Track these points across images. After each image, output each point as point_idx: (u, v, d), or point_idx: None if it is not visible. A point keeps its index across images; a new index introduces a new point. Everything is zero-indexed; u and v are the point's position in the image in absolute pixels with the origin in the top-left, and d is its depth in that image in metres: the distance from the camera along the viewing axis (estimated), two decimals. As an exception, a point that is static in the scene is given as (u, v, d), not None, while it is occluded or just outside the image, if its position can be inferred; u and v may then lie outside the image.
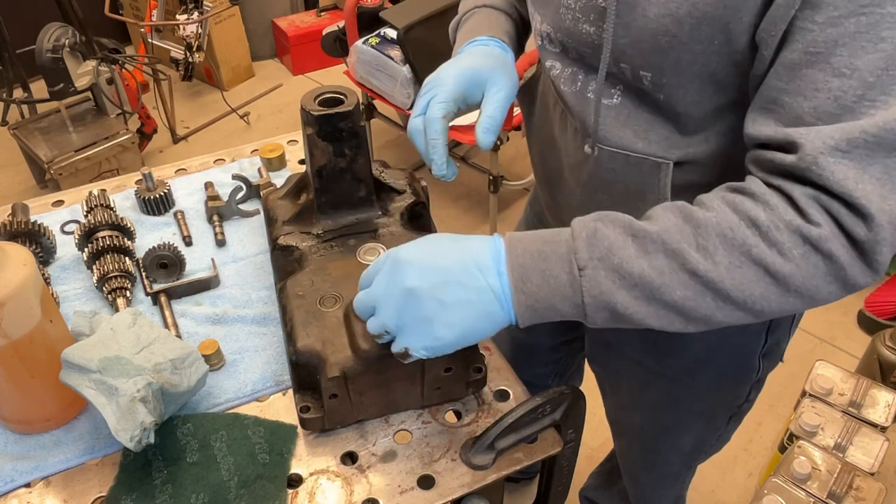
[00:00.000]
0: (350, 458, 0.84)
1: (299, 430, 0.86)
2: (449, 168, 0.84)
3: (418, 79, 2.26)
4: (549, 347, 1.33)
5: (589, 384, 1.59)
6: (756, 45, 0.65)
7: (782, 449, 1.69)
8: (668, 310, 0.64)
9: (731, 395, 1.06)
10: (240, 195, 1.16)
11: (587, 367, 1.49)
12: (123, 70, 2.74)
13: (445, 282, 0.66)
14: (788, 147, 0.62)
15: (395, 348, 0.71)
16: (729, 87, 0.71)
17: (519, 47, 0.98)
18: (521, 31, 0.99)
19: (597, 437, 1.99)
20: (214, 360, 0.93)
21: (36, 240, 1.05)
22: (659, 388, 1.07)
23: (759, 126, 0.65)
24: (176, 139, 3.21)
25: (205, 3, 2.95)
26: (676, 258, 0.62)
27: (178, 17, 2.90)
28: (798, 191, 0.61)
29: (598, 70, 0.77)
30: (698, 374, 1.02)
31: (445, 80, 0.82)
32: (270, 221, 1.01)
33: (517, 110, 2.30)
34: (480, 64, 0.83)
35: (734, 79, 0.70)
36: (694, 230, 0.63)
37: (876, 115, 0.58)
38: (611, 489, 1.53)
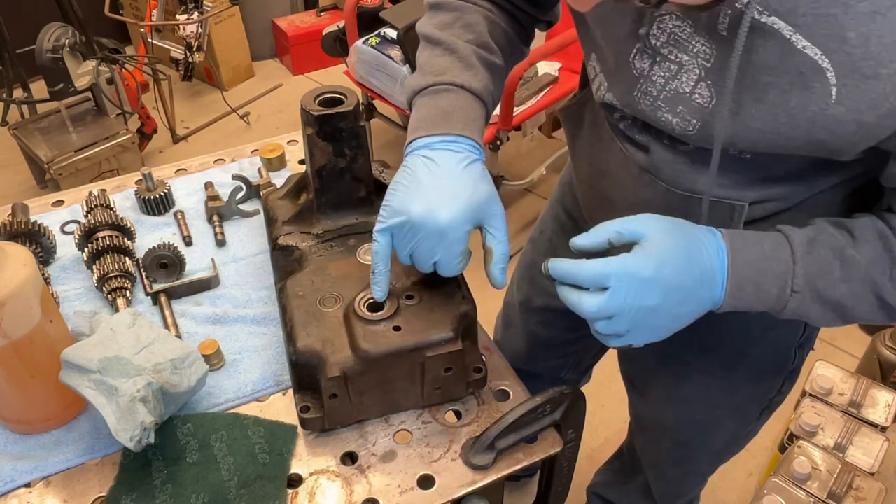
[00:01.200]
0: (350, 458, 0.84)
1: (299, 430, 0.86)
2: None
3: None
4: (565, 341, 1.32)
5: (590, 384, 1.59)
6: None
7: (782, 449, 1.69)
8: (844, 319, 0.74)
9: (766, 387, 1.06)
10: (240, 195, 1.16)
11: (595, 366, 1.50)
12: (123, 70, 2.73)
13: (683, 300, 0.71)
14: None
15: (617, 343, 0.75)
16: (814, 164, 0.73)
17: (498, 98, 0.92)
18: (489, 115, 0.90)
19: (597, 437, 1.99)
20: (214, 360, 0.93)
21: (36, 240, 1.05)
22: (694, 384, 1.06)
23: None
24: (176, 139, 3.20)
25: (205, 3, 2.95)
26: (873, 287, 0.71)
27: (178, 17, 2.90)
28: None
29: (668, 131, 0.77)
30: (735, 369, 1.02)
31: (449, 234, 0.77)
32: (270, 221, 1.01)
33: (518, 109, 2.30)
34: (477, 205, 0.78)
35: (822, 163, 0.72)
36: (892, 262, 0.70)
37: None
38: (625, 485, 1.52)
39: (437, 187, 0.77)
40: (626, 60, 0.76)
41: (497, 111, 2.22)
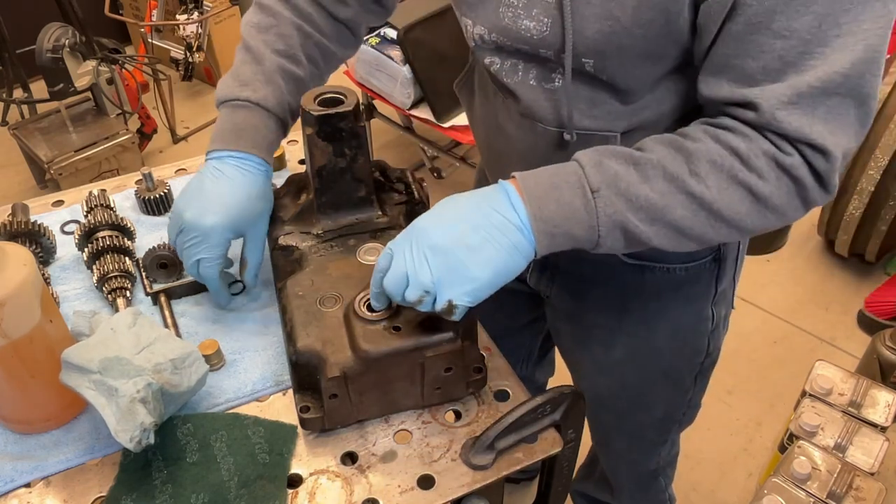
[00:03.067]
0: (350, 458, 0.84)
1: (299, 430, 0.86)
2: (228, 300, 1.00)
3: (418, 79, 2.26)
4: (511, 331, 1.34)
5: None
6: (693, 20, 0.72)
7: (782, 449, 1.69)
8: (669, 229, 0.73)
9: (691, 348, 1.09)
10: (240, 195, 1.16)
11: (559, 364, 1.50)
12: (123, 70, 2.74)
13: (466, 227, 0.72)
14: (746, 105, 0.71)
15: (438, 306, 0.73)
16: (667, 58, 0.77)
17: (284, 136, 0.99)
18: (284, 134, 0.99)
19: (597, 437, 1.99)
20: (215, 359, 0.93)
21: (36, 240, 1.05)
22: (620, 348, 1.09)
23: (713, 88, 0.73)
24: (176, 139, 3.21)
25: (205, 3, 2.95)
26: (675, 182, 0.72)
27: (178, 17, 2.90)
28: (767, 133, 0.71)
29: (535, 58, 0.82)
30: (655, 328, 1.05)
31: (212, 237, 0.89)
32: (270, 221, 1.01)
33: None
34: (244, 214, 0.91)
35: (672, 52, 0.76)
36: (686, 158, 0.72)
37: (817, 67, 0.67)
38: (593, 476, 1.55)
39: (214, 196, 0.89)
40: None
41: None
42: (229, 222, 0.89)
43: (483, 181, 1.21)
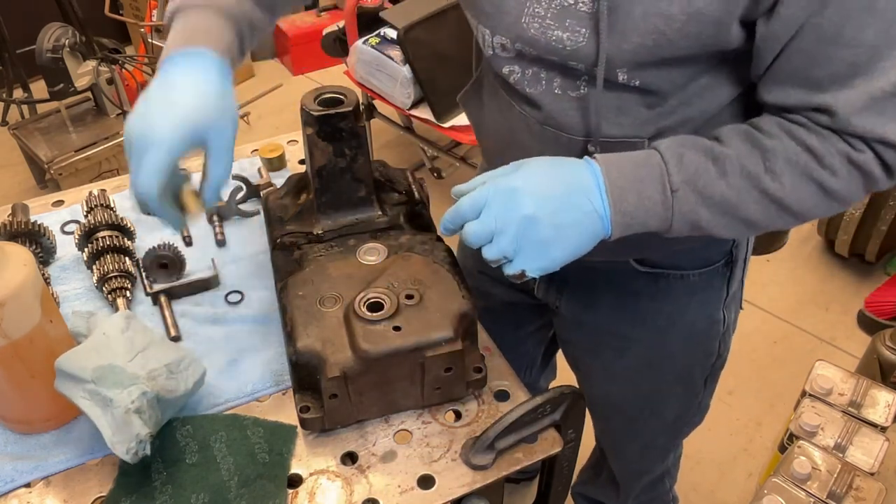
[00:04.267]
0: (350, 458, 0.84)
1: (299, 430, 0.86)
2: (180, 224, 0.81)
3: (418, 79, 2.26)
4: (516, 341, 1.33)
5: (589, 384, 1.59)
6: (742, 33, 0.71)
7: (782, 449, 1.69)
8: (738, 221, 0.76)
9: (703, 352, 1.08)
10: (240, 195, 1.16)
11: (560, 366, 1.50)
12: (123, 70, 2.73)
13: (560, 208, 0.72)
14: (819, 110, 0.72)
15: (510, 270, 0.74)
16: (704, 62, 0.76)
17: (241, 53, 0.88)
18: (246, 35, 0.88)
19: (597, 437, 1.99)
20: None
21: (36, 240, 1.05)
22: (634, 355, 1.09)
23: (779, 95, 0.74)
24: (176, 139, 3.20)
25: (205, 3, 2.95)
26: (751, 179, 0.73)
27: (178, 17, 2.89)
28: (842, 134, 0.72)
29: (561, 67, 0.80)
30: (669, 334, 1.04)
31: (161, 141, 0.74)
32: (270, 221, 1.01)
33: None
34: (199, 116, 0.76)
35: (712, 57, 0.75)
36: (762, 155, 0.73)
37: (887, 70, 0.68)
38: (599, 479, 1.54)
39: (159, 99, 0.76)
40: None
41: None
42: (178, 122, 0.74)
43: None
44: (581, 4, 0.74)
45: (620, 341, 1.08)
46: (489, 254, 0.73)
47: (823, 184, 0.73)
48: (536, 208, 0.71)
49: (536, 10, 0.77)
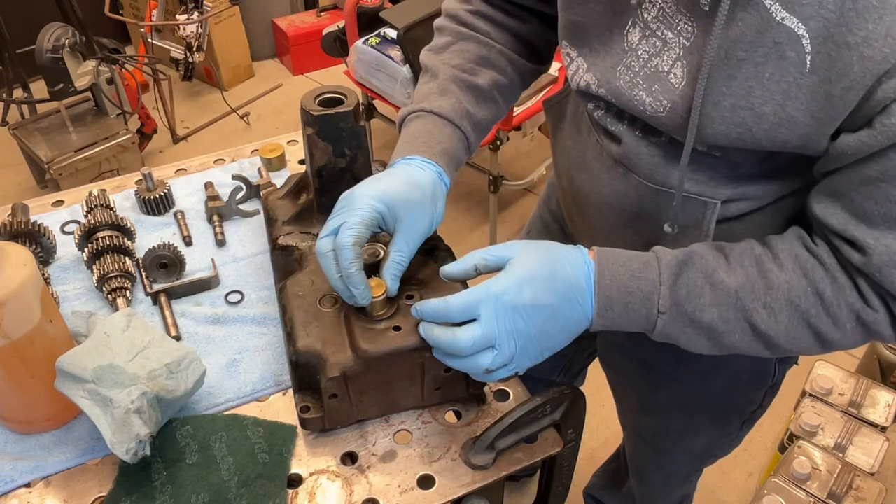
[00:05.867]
0: (350, 458, 0.84)
1: (299, 430, 0.86)
2: (367, 294, 0.79)
3: (418, 79, 2.26)
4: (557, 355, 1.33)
5: (590, 385, 1.59)
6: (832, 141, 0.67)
7: (782, 449, 1.69)
8: (721, 346, 0.75)
9: (746, 400, 1.05)
10: (240, 195, 1.16)
11: (591, 367, 1.50)
12: (123, 70, 2.73)
13: (554, 317, 0.72)
14: (855, 246, 0.68)
15: (504, 374, 0.74)
16: (787, 160, 0.73)
17: (461, 161, 0.92)
18: (468, 145, 0.92)
19: (597, 437, 1.99)
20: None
21: (36, 240, 1.05)
22: (670, 392, 1.06)
23: (825, 211, 0.70)
24: (176, 139, 3.20)
25: (205, 3, 2.95)
26: (745, 312, 0.71)
27: (178, 17, 2.90)
28: (863, 280, 0.69)
29: (640, 120, 0.78)
30: (712, 380, 1.01)
31: (359, 204, 0.78)
32: (270, 221, 1.01)
33: (518, 109, 2.30)
34: (399, 194, 0.79)
35: (794, 158, 0.72)
36: (766, 288, 0.71)
37: None
38: (619, 490, 1.53)
39: (371, 180, 0.81)
40: (621, 33, 0.77)
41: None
42: (379, 192, 0.78)
43: (551, 201, 1.17)
44: (672, 76, 0.72)
45: (659, 376, 1.05)
46: (492, 364, 0.71)
47: (822, 333, 0.71)
48: (530, 322, 0.71)
49: (633, 64, 0.76)
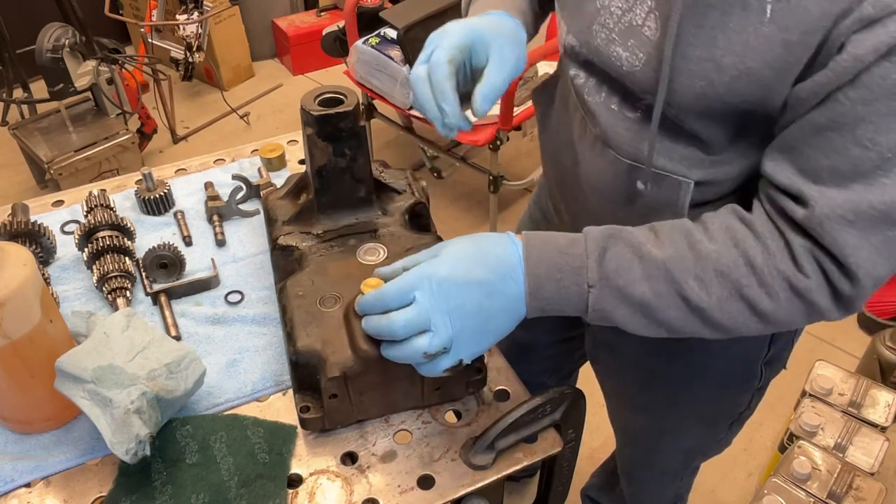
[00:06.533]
0: (350, 458, 0.84)
1: (299, 430, 0.86)
2: (463, 119, 0.77)
3: (418, 79, 2.26)
4: (546, 344, 1.33)
5: (590, 385, 1.59)
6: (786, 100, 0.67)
7: (782, 449, 1.69)
8: (658, 325, 0.73)
9: (733, 402, 1.05)
10: (240, 195, 1.16)
11: (583, 368, 1.50)
12: (123, 70, 2.73)
13: (489, 294, 0.71)
14: (800, 200, 0.67)
15: (447, 363, 0.72)
16: (753, 125, 0.73)
17: (534, 30, 0.93)
18: (537, 14, 0.95)
19: (597, 437, 1.99)
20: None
21: (36, 240, 1.05)
22: (658, 392, 1.07)
23: (775, 168, 0.70)
24: (176, 139, 3.21)
25: (205, 3, 2.95)
26: (675, 285, 0.70)
27: (178, 17, 2.90)
28: (798, 242, 0.68)
29: (621, 87, 0.78)
30: (699, 380, 1.01)
31: (451, 32, 0.78)
32: (270, 221, 1.01)
33: (518, 109, 2.30)
34: (489, 28, 0.80)
35: (759, 122, 0.72)
36: (696, 260, 0.70)
37: (886, 187, 0.63)
38: (614, 490, 1.53)
39: (457, 22, 0.82)
40: None
41: (496, 111, 2.23)
42: (470, 24, 0.79)
43: (541, 200, 1.18)
44: (647, 28, 0.73)
45: (646, 375, 1.06)
46: (429, 347, 0.70)
47: (755, 304, 0.69)
48: (466, 296, 0.70)
49: (607, 21, 0.76)
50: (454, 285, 0.70)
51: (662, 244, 0.71)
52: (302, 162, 1.29)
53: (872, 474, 1.52)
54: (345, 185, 0.96)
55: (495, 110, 2.22)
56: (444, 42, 0.77)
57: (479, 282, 0.71)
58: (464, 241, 0.74)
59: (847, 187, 0.64)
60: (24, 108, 2.81)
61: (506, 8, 0.86)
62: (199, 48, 2.99)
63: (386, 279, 0.75)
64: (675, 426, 1.12)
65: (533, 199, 1.24)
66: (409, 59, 2.23)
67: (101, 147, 2.66)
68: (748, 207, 0.74)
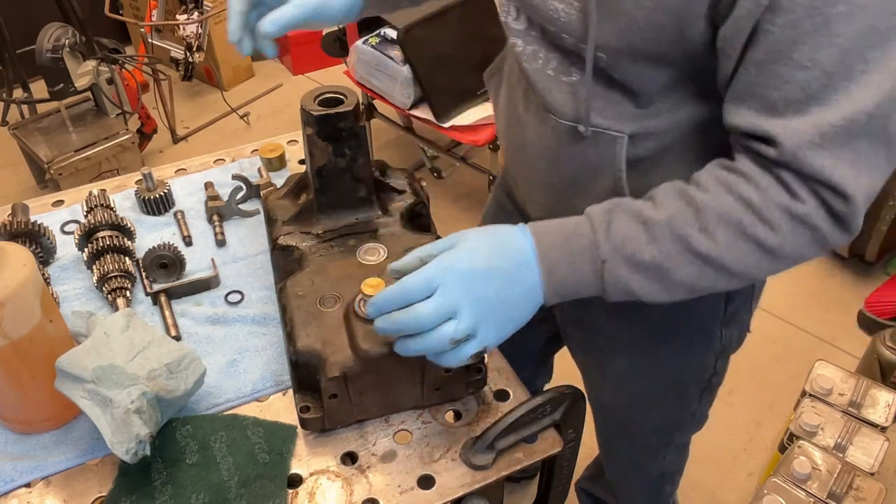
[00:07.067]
0: (350, 458, 0.84)
1: (299, 430, 0.86)
2: (245, 42, 0.86)
3: (418, 79, 2.26)
4: (518, 332, 1.33)
5: (589, 384, 1.59)
6: (711, 40, 0.71)
7: (782, 449, 1.69)
8: (675, 286, 0.74)
9: (698, 366, 1.08)
10: (240, 195, 1.16)
11: (556, 370, 1.50)
12: (123, 70, 2.73)
13: (508, 282, 0.73)
14: (767, 141, 0.69)
15: (471, 349, 0.73)
16: (678, 67, 0.76)
17: None
18: None
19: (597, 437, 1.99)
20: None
21: (36, 240, 1.05)
22: (625, 358, 1.09)
23: (735, 116, 0.72)
24: (176, 139, 3.20)
25: (205, 3, 2.95)
26: (682, 242, 0.71)
27: (178, 17, 2.89)
28: (785, 174, 0.69)
29: (558, 48, 0.82)
30: (663, 343, 1.04)
31: None
32: (270, 221, 1.01)
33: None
34: None
35: (683, 62, 0.75)
36: (696, 213, 0.71)
37: (840, 103, 0.65)
38: (603, 477, 1.54)
39: None
40: None
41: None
42: None
43: (504, 182, 1.20)
44: None
45: (612, 343, 1.08)
46: (455, 332, 0.71)
47: (762, 241, 0.70)
48: (487, 287, 0.72)
49: None
50: (475, 275, 0.72)
51: (661, 206, 0.73)
52: (302, 162, 1.29)
53: (872, 474, 1.52)
54: (345, 185, 0.96)
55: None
56: None
57: (498, 271, 0.73)
58: (479, 233, 0.75)
59: (805, 112, 0.66)
60: (24, 108, 2.81)
61: None
62: (199, 48, 2.99)
63: (402, 272, 0.75)
64: (645, 393, 1.13)
65: (496, 184, 1.26)
66: (409, 59, 2.23)
67: (101, 147, 2.66)
68: (689, 164, 0.78)
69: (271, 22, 0.83)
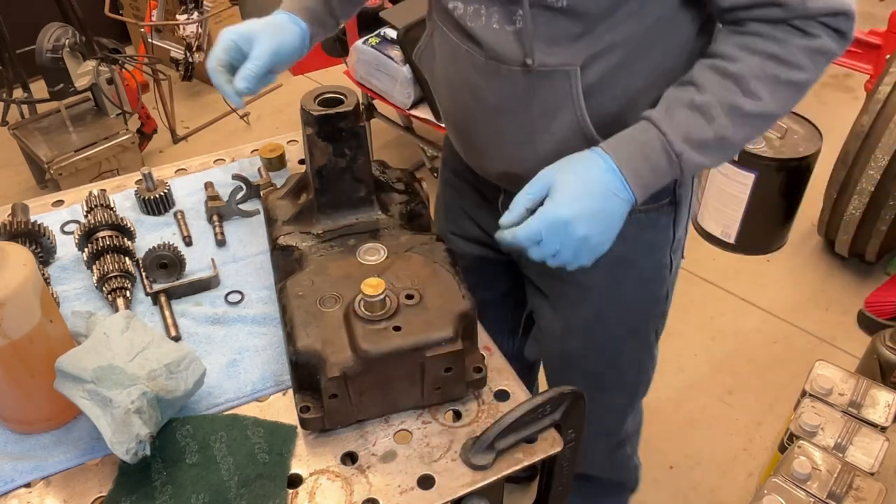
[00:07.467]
0: (350, 458, 0.84)
1: (299, 430, 0.86)
2: (236, 97, 0.98)
3: (418, 79, 2.26)
4: (493, 302, 1.35)
5: (589, 384, 1.59)
6: None
7: (782, 449, 1.69)
8: (737, 146, 0.87)
9: (652, 298, 1.16)
10: (240, 195, 1.16)
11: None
12: (123, 70, 2.73)
13: (601, 217, 0.85)
14: (770, 5, 0.79)
15: (571, 267, 0.87)
16: (631, 6, 0.84)
17: (343, 13, 1.11)
18: (332, 8, 1.08)
19: (597, 437, 1.99)
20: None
21: (36, 240, 1.05)
22: (589, 306, 1.13)
23: None
24: (176, 139, 3.20)
25: (205, 3, 2.95)
26: (734, 111, 0.83)
27: (178, 17, 2.89)
28: (797, 21, 0.80)
29: (496, 1, 0.87)
30: (623, 279, 1.10)
31: (221, 37, 0.99)
32: (270, 221, 1.01)
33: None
34: (255, 28, 0.99)
35: (637, 3, 0.83)
36: (736, 82, 0.82)
37: None
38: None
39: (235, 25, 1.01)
40: None
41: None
42: (239, 29, 0.99)
43: (448, 165, 1.23)
44: None
45: (576, 290, 1.12)
46: (552, 263, 0.86)
47: (795, 82, 0.82)
48: (587, 229, 0.83)
49: None
50: (576, 222, 0.83)
51: (704, 88, 0.83)
52: (302, 162, 1.29)
53: (872, 474, 1.52)
54: (345, 185, 0.96)
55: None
56: (215, 48, 0.99)
57: (592, 211, 0.84)
58: (568, 175, 0.84)
59: None
60: (24, 108, 2.81)
61: (293, 8, 1.04)
62: (199, 48, 2.99)
63: (508, 226, 0.85)
64: (609, 339, 1.18)
65: (442, 161, 1.28)
66: (409, 59, 2.23)
67: (101, 147, 2.66)
68: (643, 76, 0.89)
69: (242, 79, 0.96)
